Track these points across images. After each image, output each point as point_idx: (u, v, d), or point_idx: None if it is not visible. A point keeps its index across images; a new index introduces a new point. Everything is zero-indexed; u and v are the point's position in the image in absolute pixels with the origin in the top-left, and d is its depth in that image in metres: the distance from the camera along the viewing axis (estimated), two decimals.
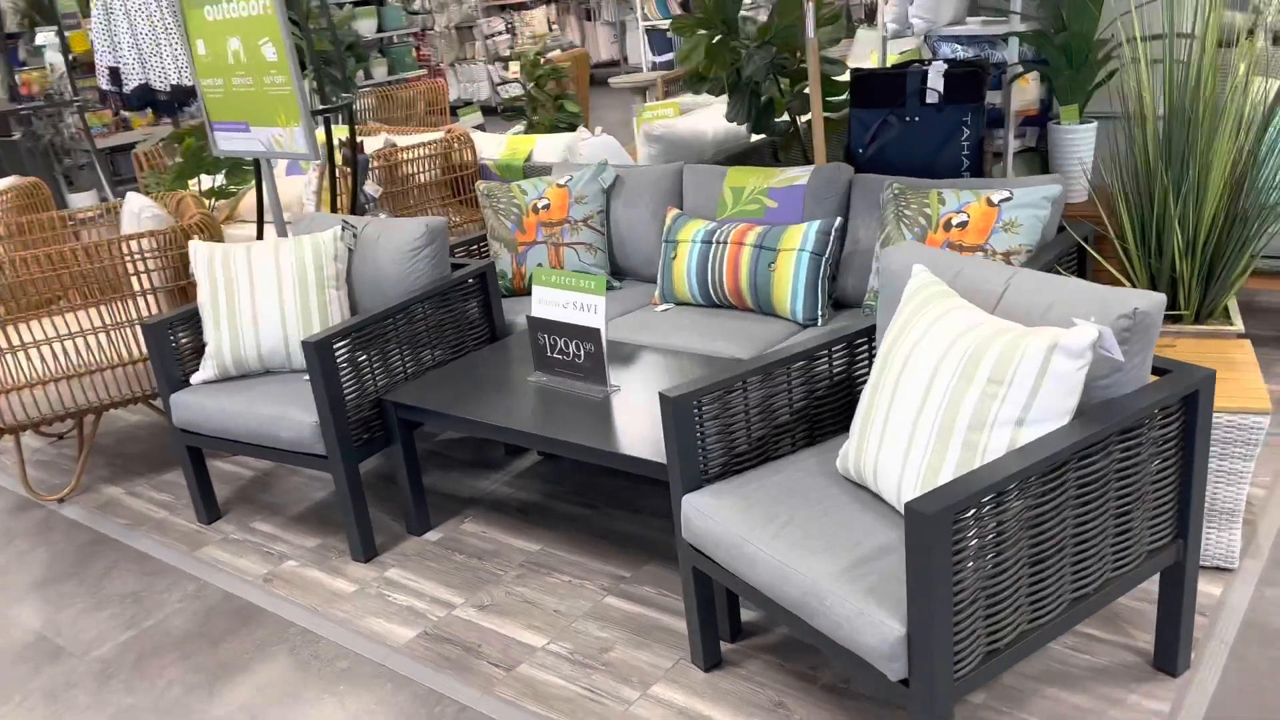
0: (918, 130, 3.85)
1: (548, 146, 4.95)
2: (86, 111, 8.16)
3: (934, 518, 1.58)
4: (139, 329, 3.58)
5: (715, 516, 2.09)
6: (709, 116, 4.93)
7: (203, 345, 3.28)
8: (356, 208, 4.39)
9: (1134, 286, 2.79)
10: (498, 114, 12.51)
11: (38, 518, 3.56)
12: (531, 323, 2.88)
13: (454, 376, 3.02)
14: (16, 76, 8.17)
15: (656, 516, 3.05)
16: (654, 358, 2.95)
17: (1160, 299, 1.85)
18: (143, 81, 5.54)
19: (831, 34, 4.25)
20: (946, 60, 3.91)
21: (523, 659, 2.48)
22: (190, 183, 4.97)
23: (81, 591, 3.06)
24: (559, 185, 3.65)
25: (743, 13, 4.40)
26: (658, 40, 10.61)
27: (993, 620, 1.76)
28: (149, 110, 6.53)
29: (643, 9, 10.08)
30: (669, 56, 10.62)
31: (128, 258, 3.46)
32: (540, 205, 3.63)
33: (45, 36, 8.01)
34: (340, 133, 5.06)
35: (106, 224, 4.40)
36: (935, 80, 3.80)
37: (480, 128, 7.74)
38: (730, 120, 4.36)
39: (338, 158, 4.59)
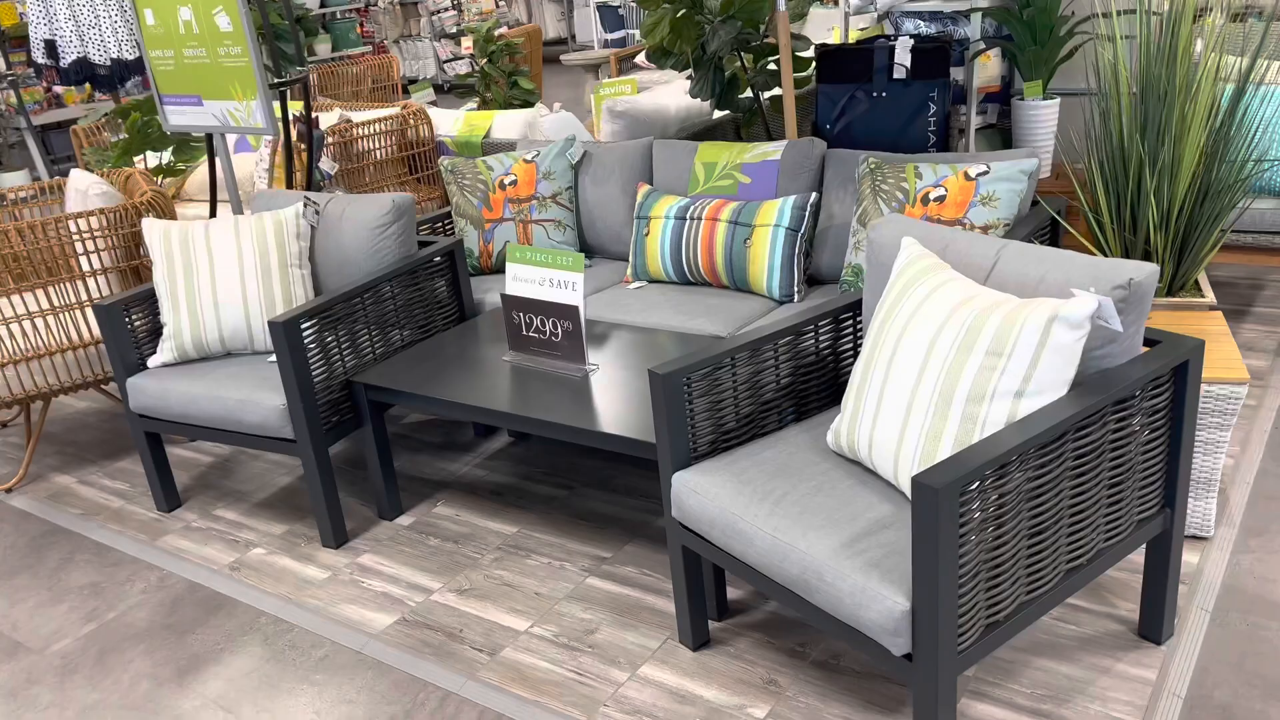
0: (885, 105, 3.85)
1: (506, 123, 4.85)
2: (19, 87, 7.84)
3: (943, 491, 1.57)
4: (89, 311, 3.45)
5: (707, 494, 2.06)
6: (671, 92, 4.88)
7: (159, 327, 3.16)
8: (312, 185, 4.26)
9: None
10: (444, 91, 12.30)
11: None
12: (506, 301, 2.82)
13: (425, 357, 2.95)
14: None
15: (633, 496, 3.01)
16: (631, 336, 2.91)
17: (1153, 269, 1.86)
18: (81, 55, 5.32)
19: (798, 7, 4.22)
20: (911, 36, 3.91)
21: (506, 643, 2.44)
22: (136, 160, 4.80)
23: (36, 584, 2.94)
24: (526, 161, 3.58)
25: None
26: (609, 17, 10.51)
27: (993, 593, 1.76)
28: (86, 85, 6.29)
29: None
30: (621, 34, 10.53)
31: (76, 237, 3.31)
32: (507, 181, 3.55)
33: None
34: (295, 107, 4.91)
35: (44, 203, 4.22)
36: (903, 55, 3.80)
37: (433, 104, 7.59)
38: (694, 96, 4.32)
39: (293, 133, 4.45)
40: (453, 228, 3.76)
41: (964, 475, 1.60)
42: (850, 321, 2.41)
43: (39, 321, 3.32)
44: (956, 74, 4.30)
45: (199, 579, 2.86)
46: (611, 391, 2.56)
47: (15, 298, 3.53)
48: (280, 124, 4.08)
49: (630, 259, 3.35)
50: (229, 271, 3.01)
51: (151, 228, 3.07)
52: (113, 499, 3.37)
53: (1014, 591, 1.80)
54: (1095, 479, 1.88)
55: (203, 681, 2.44)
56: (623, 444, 2.34)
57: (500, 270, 3.60)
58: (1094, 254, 2.89)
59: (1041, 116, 3.99)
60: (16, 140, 8.15)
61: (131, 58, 5.40)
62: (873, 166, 2.94)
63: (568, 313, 2.71)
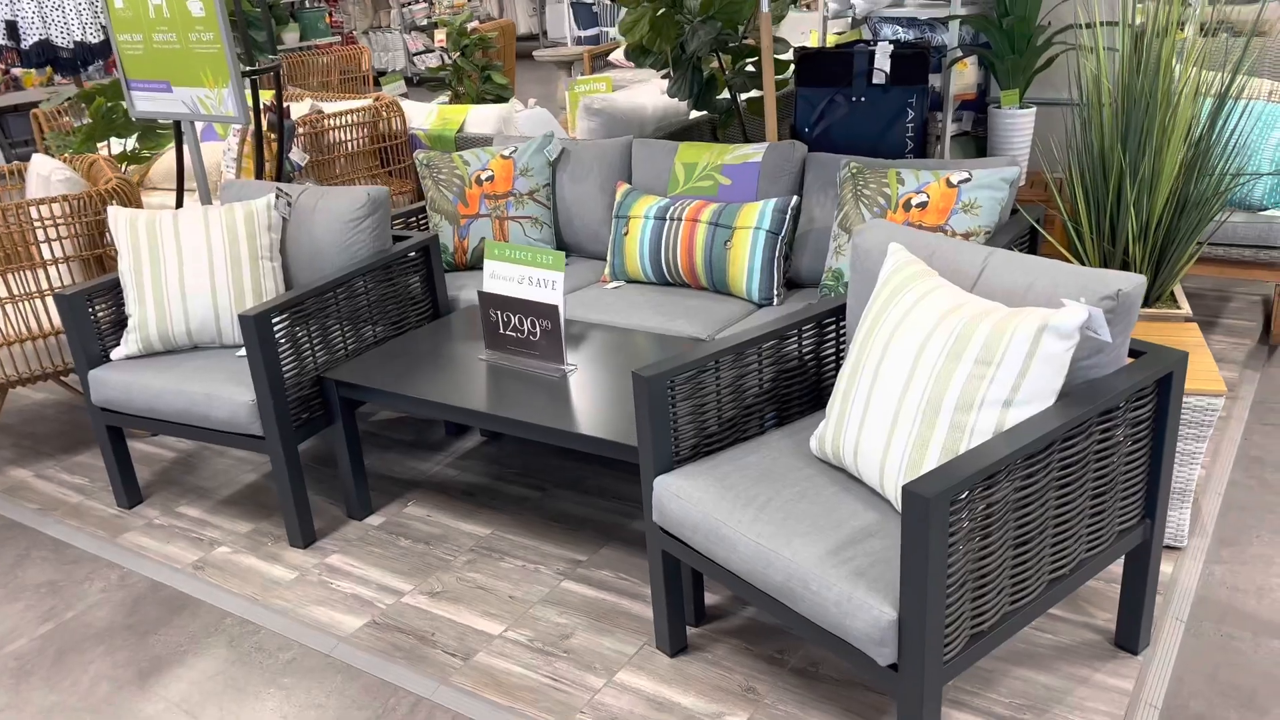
0: (864, 110, 3.85)
1: (480, 117, 4.80)
2: None
3: (934, 501, 1.55)
4: (49, 300, 3.35)
5: (690, 499, 2.03)
6: (648, 91, 4.85)
7: (123, 318, 3.07)
8: (282, 175, 4.18)
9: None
10: (413, 84, 12.18)
11: None
12: (483, 298, 2.78)
13: (398, 354, 2.89)
14: None
15: (606, 498, 2.98)
16: (609, 336, 2.87)
17: (1140, 280, 1.86)
18: (43, 37, 5.19)
19: (777, 10, 4.21)
20: (891, 41, 3.91)
21: (480, 647, 2.39)
22: (100, 146, 4.68)
23: None
24: (503, 156, 3.53)
25: None
26: (583, 14, 10.46)
27: (979, 603, 1.75)
28: (47, 68, 6.13)
29: None
30: (595, 31, 10.48)
31: (37, 223, 3.22)
32: (484, 177, 3.50)
33: None
34: (265, 96, 4.82)
35: (2, 188, 4.10)
36: (882, 61, 3.80)
37: (404, 96, 7.49)
38: (672, 96, 4.29)
39: (263, 122, 4.36)
40: (426, 222, 3.71)
41: (955, 485, 1.59)
42: (834, 326, 2.39)
43: None
44: (933, 81, 4.31)
45: (161, 578, 2.79)
46: (591, 392, 2.52)
47: None
48: (251, 113, 4.00)
49: (608, 258, 3.32)
50: (198, 263, 2.93)
51: (118, 216, 2.98)
52: (71, 494, 3.28)
53: (999, 602, 1.79)
54: (1080, 489, 1.88)
55: (165, 684, 2.37)
56: (604, 446, 2.31)
57: (475, 266, 3.55)
58: (1072, 263, 2.91)
59: (1018, 125, 4.01)
60: None
61: (96, 41, 5.27)
62: (854, 171, 2.93)
63: (547, 312, 2.67)
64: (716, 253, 3.06)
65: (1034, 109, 3.97)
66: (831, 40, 5.14)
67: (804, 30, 7.58)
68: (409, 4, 12.66)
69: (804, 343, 2.34)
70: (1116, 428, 1.91)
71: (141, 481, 3.32)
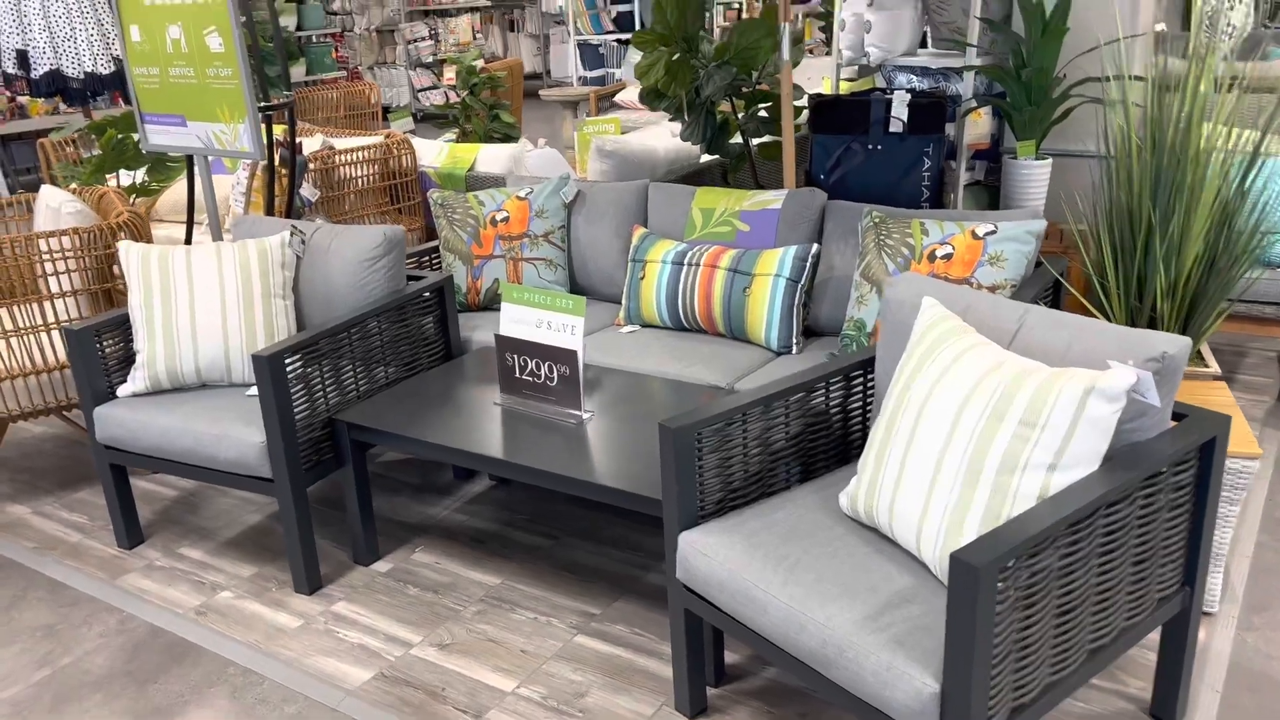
0: (880, 158, 3.83)
1: (491, 156, 4.78)
2: None
3: (984, 570, 1.49)
4: (54, 334, 3.29)
5: (716, 557, 1.97)
6: (659, 134, 4.84)
7: (130, 354, 3.01)
8: (292, 211, 4.15)
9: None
10: (418, 120, 12.22)
11: None
12: (500, 341, 2.73)
13: (410, 396, 2.84)
14: None
15: (620, 548, 2.91)
16: (626, 382, 2.82)
17: (1186, 343, 1.82)
18: (54, 67, 5.18)
19: (793, 57, 4.21)
20: (907, 90, 3.90)
21: (492, 704, 2.31)
22: (108, 178, 4.65)
23: None
24: (519, 198, 3.50)
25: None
26: (589, 54, 10.52)
27: (1020, 674, 1.69)
28: (56, 98, 6.12)
29: (576, 23, 9.97)
30: (600, 72, 10.53)
31: (46, 256, 3.17)
32: (499, 217, 3.47)
33: None
34: (277, 131, 4.80)
35: (5, 218, 4.05)
36: (899, 109, 3.79)
37: (411, 133, 7.50)
38: (685, 140, 4.28)
39: (275, 157, 4.33)
40: (439, 262, 3.66)
41: (1005, 553, 1.53)
42: (861, 379, 2.35)
43: (1, 343, 3.16)
44: (948, 129, 4.31)
45: (162, 623, 2.70)
46: (609, 441, 2.47)
47: None
48: (265, 148, 3.97)
49: (624, 301, 3.27)
50: (210, 300, 2.88)
51: (129, 251, 2.94)
52: (70, 532, 3.20)
53: (1040, 673, 1.73)
54: (1122, 556, 1.82)
55: None
56: (625, 499, 2.25)
57: (488, 307, 3.51)
58: (1098, 318, 2.87)
59: (1034, 176, 3.99)
60: None
61: (107, 72, 5.26)
62: (876, 220, 2.90)
63: (564, 357, 2.62)
64: (735, 299, 3.01)
65: (1050, 160, 3.96)
66: (844, 87, 5.15)
67: (810, 76, 7.61)
68: (415, 41, 12.73)
69: (831, 396, 2.29)
70: (1160, 493, 1.86)
71: (143, 520, 3.24)
